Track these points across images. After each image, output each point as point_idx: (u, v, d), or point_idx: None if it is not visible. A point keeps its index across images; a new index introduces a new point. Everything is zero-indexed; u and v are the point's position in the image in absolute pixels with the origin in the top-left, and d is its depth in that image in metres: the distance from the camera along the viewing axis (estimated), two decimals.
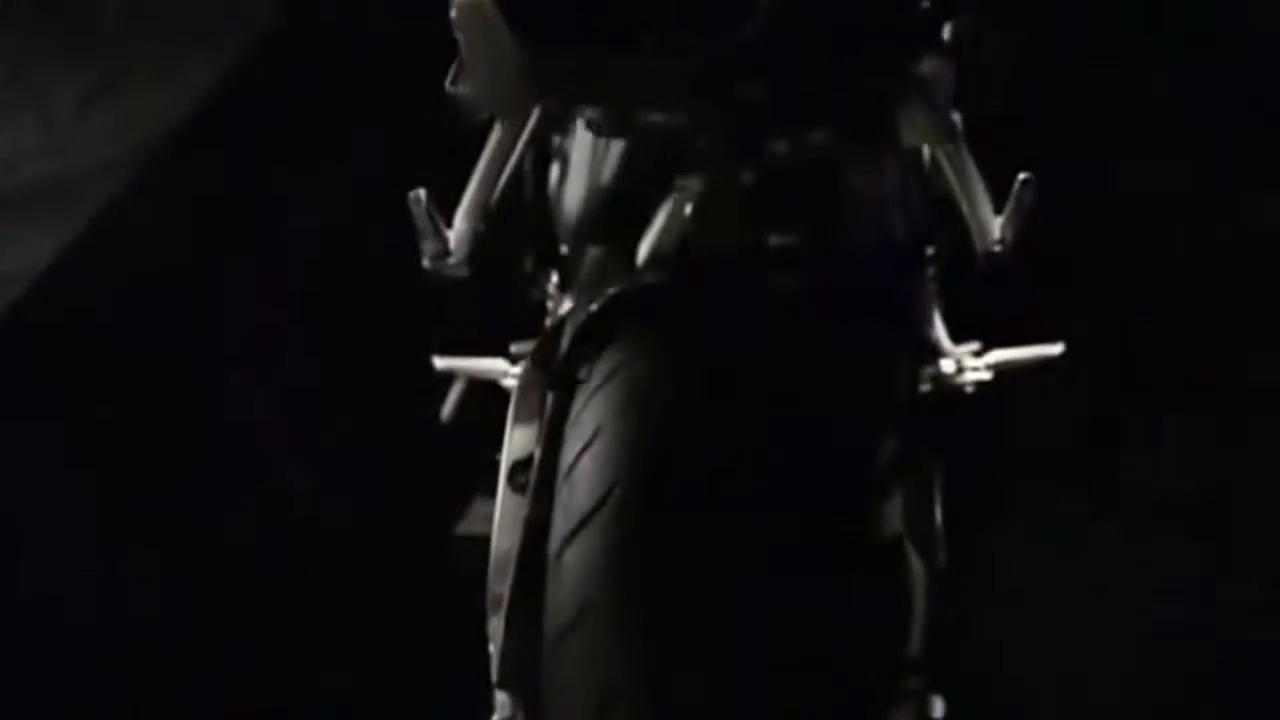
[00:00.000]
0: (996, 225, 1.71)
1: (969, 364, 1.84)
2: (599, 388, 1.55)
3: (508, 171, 1.73)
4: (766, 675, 1.43)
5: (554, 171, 1.92)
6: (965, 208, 1.72)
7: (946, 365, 1.82)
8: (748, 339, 1.58)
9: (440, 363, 2.04)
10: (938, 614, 1.54)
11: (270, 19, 3.23)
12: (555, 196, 1.90)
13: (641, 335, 1.58)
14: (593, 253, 1.79)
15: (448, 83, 1.68)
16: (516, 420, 1.72)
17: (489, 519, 1.64)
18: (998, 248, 1.72)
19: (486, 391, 1.97)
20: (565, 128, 1.87)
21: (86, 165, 2.99)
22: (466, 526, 2.17)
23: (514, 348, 1.94)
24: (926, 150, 1.82)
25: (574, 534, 1.45)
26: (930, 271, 1.89)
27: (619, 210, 1.76)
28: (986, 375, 1.84)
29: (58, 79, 3.20)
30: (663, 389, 1.53)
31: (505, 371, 1.93)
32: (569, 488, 1.48)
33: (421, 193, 1.70)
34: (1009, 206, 1.70)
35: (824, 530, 1.49)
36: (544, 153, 1.94)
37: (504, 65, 1.55)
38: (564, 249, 1.87)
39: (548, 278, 1.96)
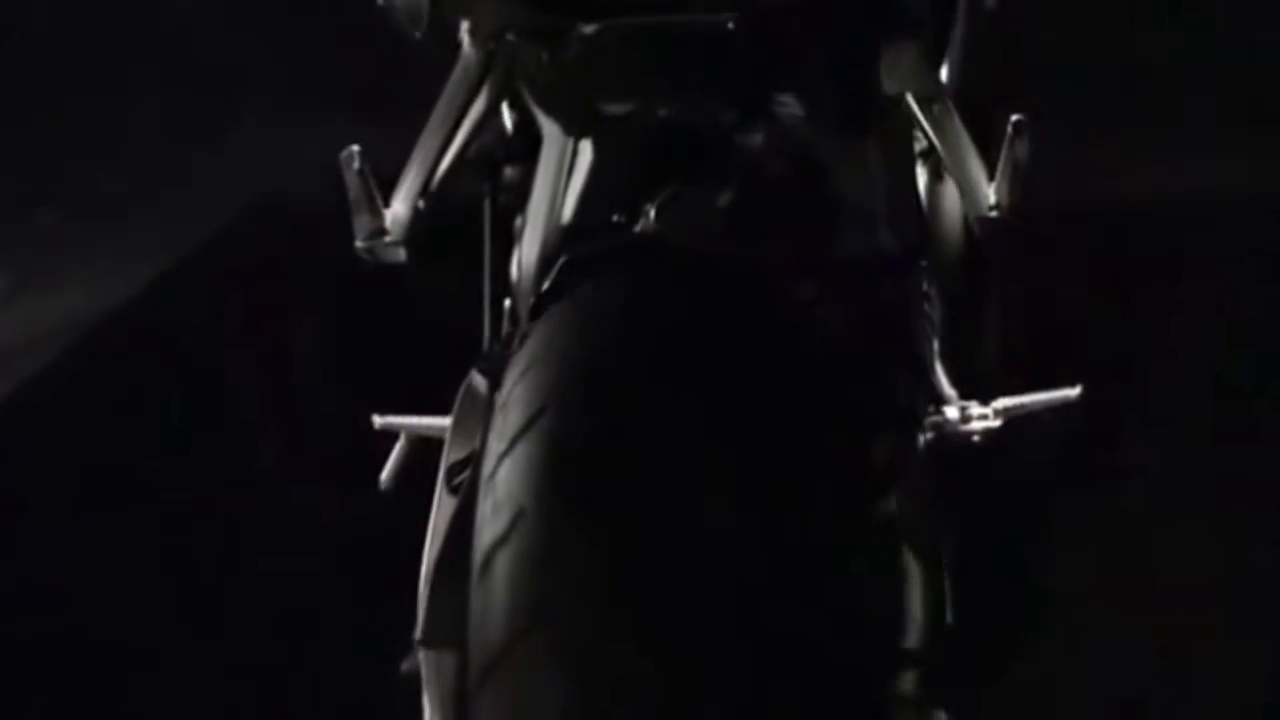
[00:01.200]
0: (990, 190, 1.57)
1: (977, 412, 1.72)
2: (536, 335, 1.44)
3: (456, 144, 1.59)
4: (698, 597, 1.31)
5: (514, 253, 1.79)
6: (953, 171, 1.58)
7: (952, 413, 1.71)
8: (702, 307, 1.45)
9: (379, 421, 1.86)
10: (940, 618, 1.41)
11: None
12: (515, 270, 1.77)
13: (583, 289, 1.47)
14: None
15: None
16: (458, 424, 1.55)
17: None
18: (993, 214, 1.56)
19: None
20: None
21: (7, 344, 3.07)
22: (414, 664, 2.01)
23: None
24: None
25: (508, 451, 1.34)
26: (925, 285, 1.76)
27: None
28: (996, 423, 1.72)
29: None
30: (601, 322, 1.43)
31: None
32: (504, 414, 1.37)
33: (355, 150, 1.53)
34: (1002, 162, 1.54)
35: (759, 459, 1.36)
36: (501, 235, 1.82)
37: None
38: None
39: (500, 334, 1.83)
